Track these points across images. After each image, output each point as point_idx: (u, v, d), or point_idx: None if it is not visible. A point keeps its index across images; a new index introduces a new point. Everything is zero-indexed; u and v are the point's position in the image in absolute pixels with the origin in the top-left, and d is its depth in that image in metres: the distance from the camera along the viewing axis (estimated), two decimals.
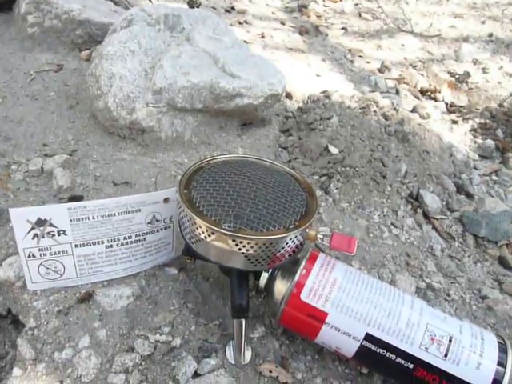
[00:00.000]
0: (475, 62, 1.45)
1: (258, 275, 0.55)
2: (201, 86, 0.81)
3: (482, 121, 1.15)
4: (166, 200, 0.59)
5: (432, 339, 0.49)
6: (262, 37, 1.41)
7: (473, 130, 1.13)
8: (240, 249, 0.48)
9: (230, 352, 0.54)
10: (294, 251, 0.52)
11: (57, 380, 0.50)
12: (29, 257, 0.56)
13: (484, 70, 1.40)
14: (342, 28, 1.58)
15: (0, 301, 0.62)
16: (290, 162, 0.88)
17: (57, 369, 0.51)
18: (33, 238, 0.55)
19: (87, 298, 0.58)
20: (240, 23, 1.46)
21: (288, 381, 0.54)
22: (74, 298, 0.58)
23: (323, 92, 1.06)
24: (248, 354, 0.55)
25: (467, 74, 1.36)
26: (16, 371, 0.51)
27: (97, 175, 0.77)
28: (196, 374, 0.52)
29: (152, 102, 0.81)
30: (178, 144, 0.86)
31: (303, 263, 0.53)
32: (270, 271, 0.54)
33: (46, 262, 0.57)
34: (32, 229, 0.54)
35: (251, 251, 0.48)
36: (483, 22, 1.66)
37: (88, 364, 0.51)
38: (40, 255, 0.56)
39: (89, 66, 0.90)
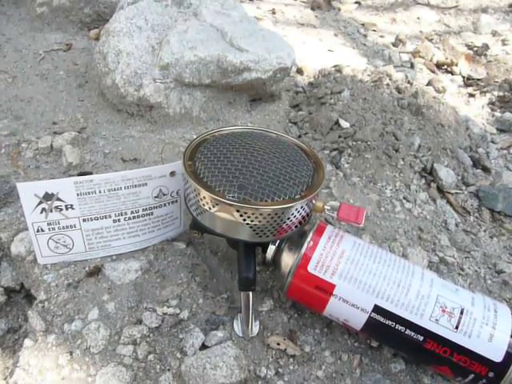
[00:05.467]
0: (494, 33, 1.39)
1: (265, 248, 0.54)
2: (208, 60, 0.80)
3: (501, 93, 1.11)
4: (172, 174, 0.58)
5: (443, 311, 0.47)
6: (273, 13, 1.38)
7: (491, 103, 1.09)
8: (245, 219, 0.47)
9: (237, 325, 0.54)
10: (300, 222, 0.51)
11: (66, 351, 0.51)
12: (38, 231, 0.56)
13: (503, 42, 1.35)
14: (356, 2, 1.54)
15: (13, 276, 0.63)
16: (300, 136, 0.86)
17: (66, 340, 0.52)
18: (41, 213, 0.55)
19: (96, 271, 0.58)
20: None
21: (296, 353, 0.53)
22: (83, 272, 0.58)
23: (334, 66, 1.03)
24: (256, 327, 0.54)
25: (486, 47, 1.31)
26: (27, 342, 0.52)
27: (106, 152, 0.76)
28: (203, 346, 0.52)
29: (159, 77, 0.80)
30: (186, 120, 0.85)
31: (310, 235, 0.52)
32: (277, 244, 0.54)
33: (54, 237, 0.57)
34: (40, 203, 0.54)
35: (256, 222, 0.47)
36: None
37: (97, 335, 0.52)
38: (49, 229, 0.56)
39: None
